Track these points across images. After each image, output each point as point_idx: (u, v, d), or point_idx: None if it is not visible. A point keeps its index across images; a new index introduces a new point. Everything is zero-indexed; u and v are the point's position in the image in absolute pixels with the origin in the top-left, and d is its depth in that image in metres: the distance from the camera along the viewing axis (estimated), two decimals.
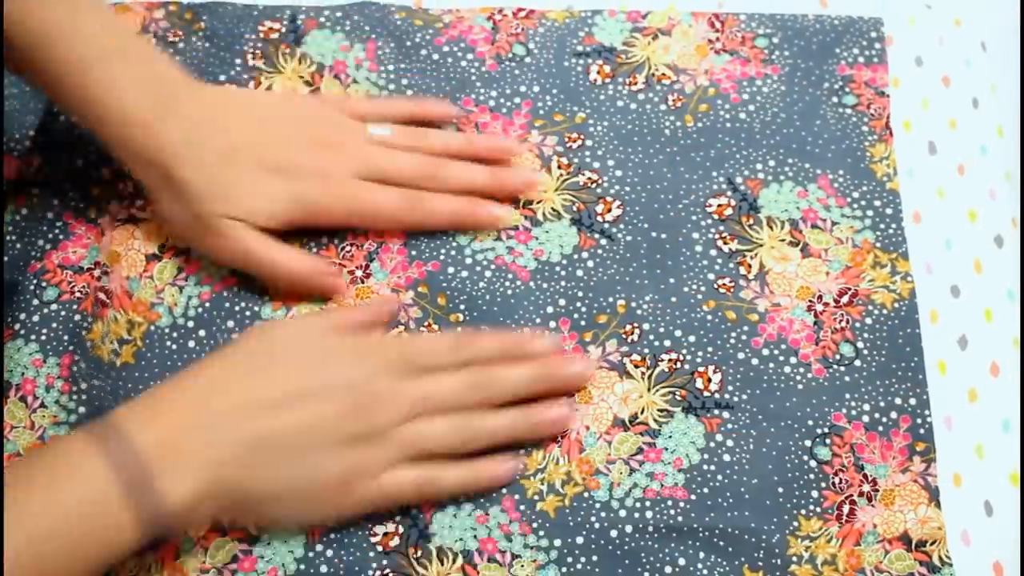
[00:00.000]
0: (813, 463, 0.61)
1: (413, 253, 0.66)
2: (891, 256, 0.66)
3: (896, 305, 0.65)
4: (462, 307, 0.65)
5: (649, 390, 0.63)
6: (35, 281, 0.65)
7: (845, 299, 0.65)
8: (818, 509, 0.60)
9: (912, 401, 0.62)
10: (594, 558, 0.59)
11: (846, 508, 0.60)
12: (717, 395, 0.63)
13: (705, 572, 0.58)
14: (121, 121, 0.61)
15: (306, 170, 0.64)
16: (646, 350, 0.64)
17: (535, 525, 0.60)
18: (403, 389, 0.58)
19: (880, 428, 0.62)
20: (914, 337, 0.64)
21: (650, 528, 0.59)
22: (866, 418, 0.62)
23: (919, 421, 0.62)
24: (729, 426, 0.62)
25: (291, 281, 0.64)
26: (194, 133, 0.62)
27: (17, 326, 0.64)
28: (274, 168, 0.63)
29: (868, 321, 0.64)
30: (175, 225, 0.64)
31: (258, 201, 0.63)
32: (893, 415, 0.62)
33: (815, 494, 0.60)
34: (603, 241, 0.67)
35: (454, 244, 0.66)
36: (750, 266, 0.66)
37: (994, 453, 0.62)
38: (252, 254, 0.63)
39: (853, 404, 0.62)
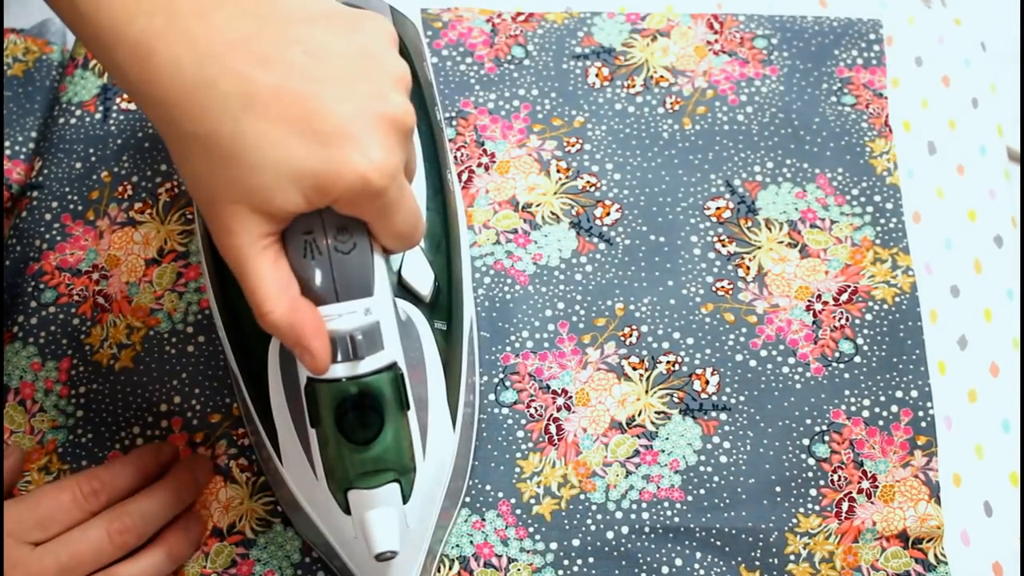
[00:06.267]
0: (811, 461, 0.61)
1: None
2: (891, 251, 0.66)
3: (897, 299, 0.65)
4: None
5: (647, 392, 0.63)
6: (33, 283, 0.65)
7: (845, 297, 0.65)
8: (816, 507, 0.60)
9: (914, 393, 0.62)
10: (591, 560, 0.59)
11: (845, 505, 0.59)
12: (715, 397, 0.62)
13: (702, 572, 0.58)
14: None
15: None
16: (644, 352, 0.64)
17: (531, 529, 0.59)
18: (38, 559, 0.54)
19: (881, 422, 0.61)
20: (916, 330, 0.64)
21: (646, 529, 0.59)
22: (866, 413, 0.62)
23: (921, 414, 0.62)
24: (726, 428, 0.62)
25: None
26: None
27: (16, 328, 0.64)
28: None
29: (868, 317, 0.64)
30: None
31: None
32: (894, 408, 0.62)
33: (813, 492, 0.60)
34: (601, 245, 0.67)
35: None
36: (748, 268, 0.66)
37: (994, 453, 0.62)
38: None
39: (853, 400, 0.62)
